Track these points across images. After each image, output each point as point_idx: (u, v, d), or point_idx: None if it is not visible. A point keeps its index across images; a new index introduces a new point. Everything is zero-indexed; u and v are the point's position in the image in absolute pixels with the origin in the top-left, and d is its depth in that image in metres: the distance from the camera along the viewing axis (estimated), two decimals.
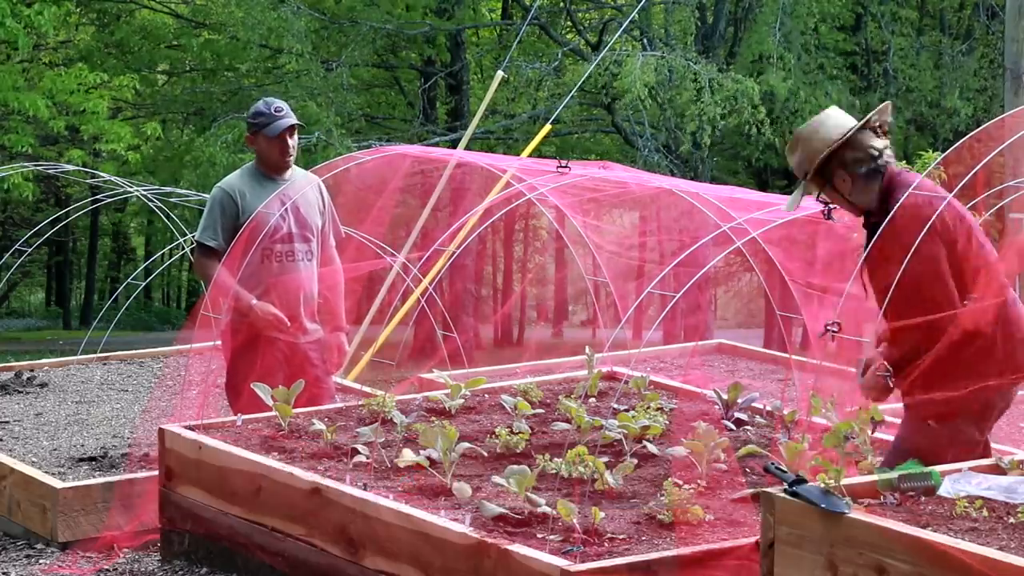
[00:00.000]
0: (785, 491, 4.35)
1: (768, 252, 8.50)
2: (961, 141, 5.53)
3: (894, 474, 4.55)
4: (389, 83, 29.71)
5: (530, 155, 10.74)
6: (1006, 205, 8.20)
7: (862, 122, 5.32)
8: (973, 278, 5.13)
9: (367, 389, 7.44)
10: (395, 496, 5.50)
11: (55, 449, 7.69)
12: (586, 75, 19.91)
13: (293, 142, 7.20)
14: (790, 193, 5.78)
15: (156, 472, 6.61)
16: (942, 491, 4.55)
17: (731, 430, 6.39)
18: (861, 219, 5.47)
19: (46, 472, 7.13)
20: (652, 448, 6.03)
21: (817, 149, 5.33)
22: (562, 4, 27.74)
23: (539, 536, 5.00)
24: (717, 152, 26.94)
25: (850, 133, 5.30)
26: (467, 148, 11.50)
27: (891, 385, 5.31)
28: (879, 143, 5.33)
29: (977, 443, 5.24)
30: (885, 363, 5.24)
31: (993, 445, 6.04)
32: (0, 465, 7.25)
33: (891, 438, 6.05)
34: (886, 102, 5.57)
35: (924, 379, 5.11)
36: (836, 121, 5.38)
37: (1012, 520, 4.34)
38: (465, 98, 27.17)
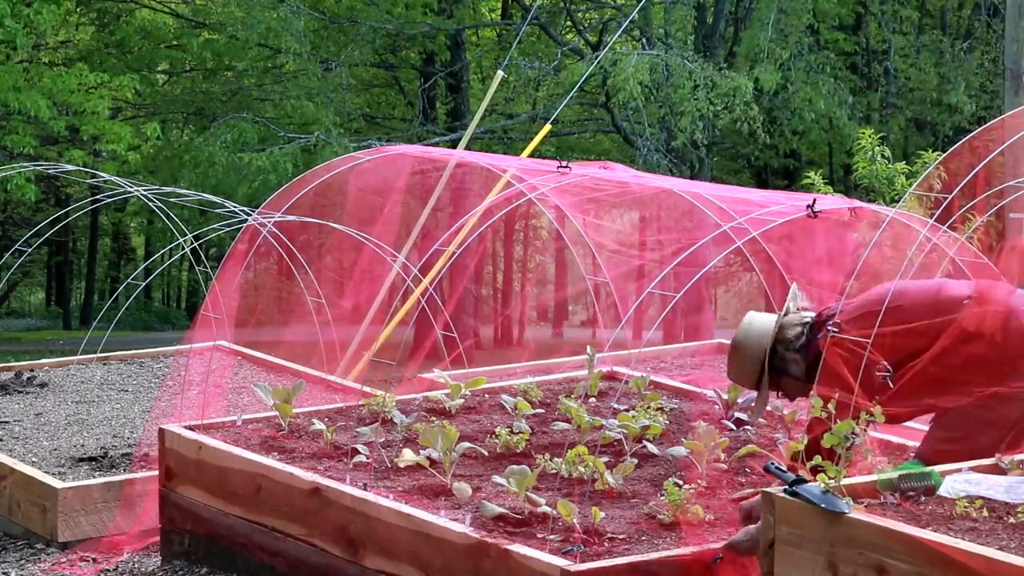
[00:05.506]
0: (785, 491, 4.35)
1: (768, 251, 8.51)
2: (960, 143, 5.53)
3: (894, 474, 4.54)
4: (389, 83, 29.71)
5: (530, 155, 10.73)
6: (1006, 205, 8.19)
7: (783, 311, 5.46)
8: None
9: (367, 389, 7.43)
10: (395, 496, 5.50)
11: (55, 449, 7.69)
12: (585, 75, 19.94)
13: None
14: (792, 191, 5.81)
15: (156, 472, 6.61)
16: (942, 491, 4.54)
17: (731, 430, 6.39)
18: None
19: (46, 472, 7.13)
20: (652, 448, 6.03)
21: (760, 345, 5.41)
22: (562, 4, 27.73)
23: (539, 536, 5.01)
24: (717, 151, 26.95)
25: (780, 317, 5.42)
26: (467, 148, 11.50)
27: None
28: (806, 314, 5.45)
29: None
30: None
31: None
32: (0, 465, 7.25)
33: (890, 438, 6.06)
34: (793, 285, 5.70)
35: None
36: (761, 318, 5.50)
37: (1012, 520, 4.34)
38: (465, 98, 27.17)
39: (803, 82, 24.45)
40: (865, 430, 4.58)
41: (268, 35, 24.66)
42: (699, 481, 5.50)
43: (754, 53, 24.13)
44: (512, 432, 6.28)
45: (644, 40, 24.99)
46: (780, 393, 5.59)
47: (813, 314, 5.48)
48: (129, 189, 9.71)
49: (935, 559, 3.93)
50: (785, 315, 5.49)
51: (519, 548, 4.83)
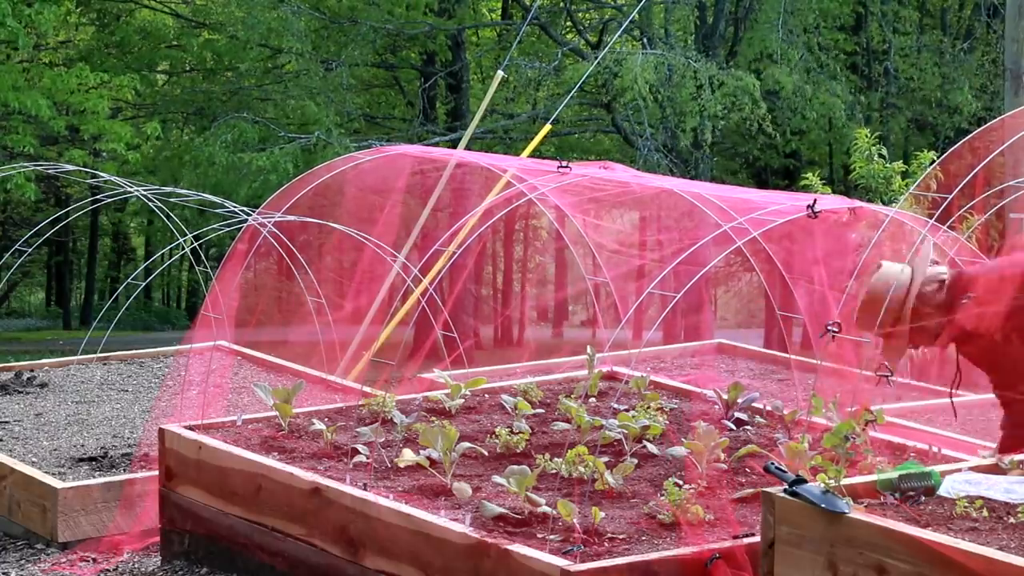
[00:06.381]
0: (785, 491, 4.35)
1: (768, 251, 8.50)
2: (960, 143, 5.54)
3: (894, 474, 4.55)
4: (389, 83, 29.71)
5: (530, 155, 10.73)
6: (1006, 205, 8.19)
7: (927, 261, 5.39)
8: None
9: (367, 389, 7.44)
10: (395, 496, 5.50)
11: (55, 449, 7.69)
12: (586, 75, 19.94)
13: None
14: (792, 191, 5.81)
15: (156, 472, 6.61)
16: (942, 491, 4.55)
17: (731, 430, 6.38)
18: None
19: (46, 472, 7.13)
20: (652, 448, 6.03)
21: (897, 297, 5.32)
22: (562, 4, 27.73)
23: (539, 536, 5.00)
24: (717, 151, 26.95)
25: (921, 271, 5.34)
26: (467, 148, 11.50)
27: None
28: (941, 270, 5.40)
29: None
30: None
31: (993, 445, 6.05)
32: (0, 465, 7.25)
33: (890, 438, 6.05)
34: (930, 239, 5.60)
35: None
36: (898, 270, 5.40)
37: (1012, 520, 4.34)
38: (465, 98, 27.17)
39: (811, 83, 24.45)
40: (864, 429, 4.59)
41: (269, 35, 24.68)
42: (699, 481, 5.50)
43: (766, 54, 24.15)
44: (512, 432, 6.28)
45: (645, 40, 25.00)
46: (911, 345, 5.50)
47: (948, 270, 5.43)
48: (129, 189, 9.71)
49: (935, 559, 3.93)
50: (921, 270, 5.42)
51: (519, 548, 4.83)
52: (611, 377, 7.56)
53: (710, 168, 25.27)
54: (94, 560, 6.61)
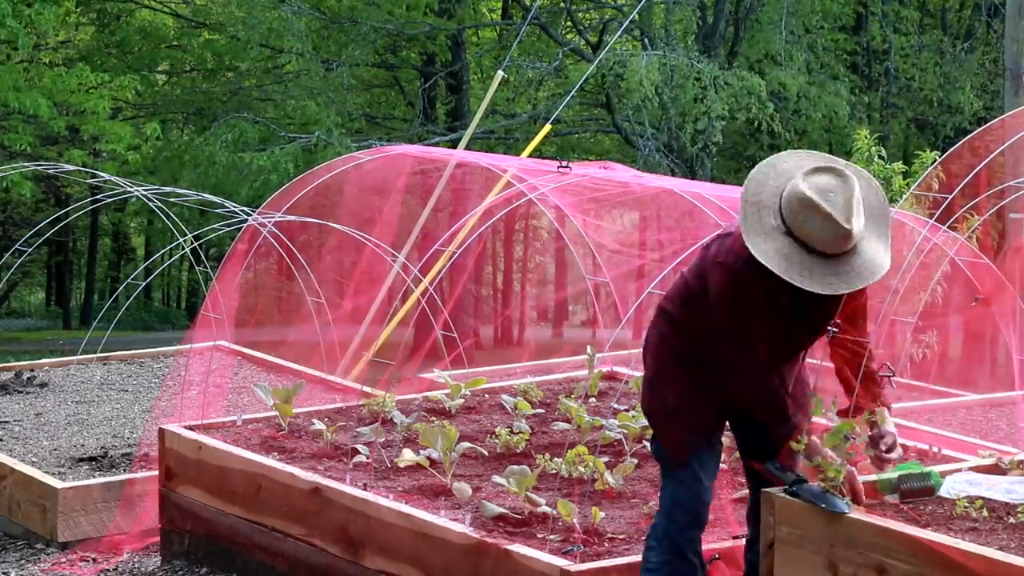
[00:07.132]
0: (785, 491, 4.35)
1: None
2: (960, 143, 5.53)
3: (894, 474, 4.54)
4: (389, 83, 29.70)
5: (530, 155, 10.74)
6: (1006, 205, 8.20)
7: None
8: None
9: (367, 389, 7.44)
10: (395, 496, 5.51)
11: (55, 449, 7.69)
12: (586, 75, 19.92)
13: None
14: None
15: (156, 472, 6.61)
16: (942, 491, 4.55)
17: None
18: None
19: (46, 472, 7.13)
20: None
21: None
22: (562, 4, 27.72)
23: (539, 536, 5.01)
24: (718, 152, 26.96)
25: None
26: (468, 148, 11.50)
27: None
28: None
29: None
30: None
31: (993, 445, 6.06)
32: (0, 465, 7.25)
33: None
34: None
35: None
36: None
37: (1012, 520, 4.34)
38: (465, 98, 27.15)
39: (815, 83, 24.46)
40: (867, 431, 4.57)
41: (269, 35, 24.68)
42: None
43: (769, 55, 24.15)
44: (512, 432, 6.28)
45: (645, 40, 24.99)
46: None
47: None
48: (129, 189, 9.71)
49: (935, 559, 3.93)
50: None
51: (519, 548, 4.83)
52: (611, 377, 7.56)
53: (711, 168, 25.26)
54: (94, 560, 6.61)
